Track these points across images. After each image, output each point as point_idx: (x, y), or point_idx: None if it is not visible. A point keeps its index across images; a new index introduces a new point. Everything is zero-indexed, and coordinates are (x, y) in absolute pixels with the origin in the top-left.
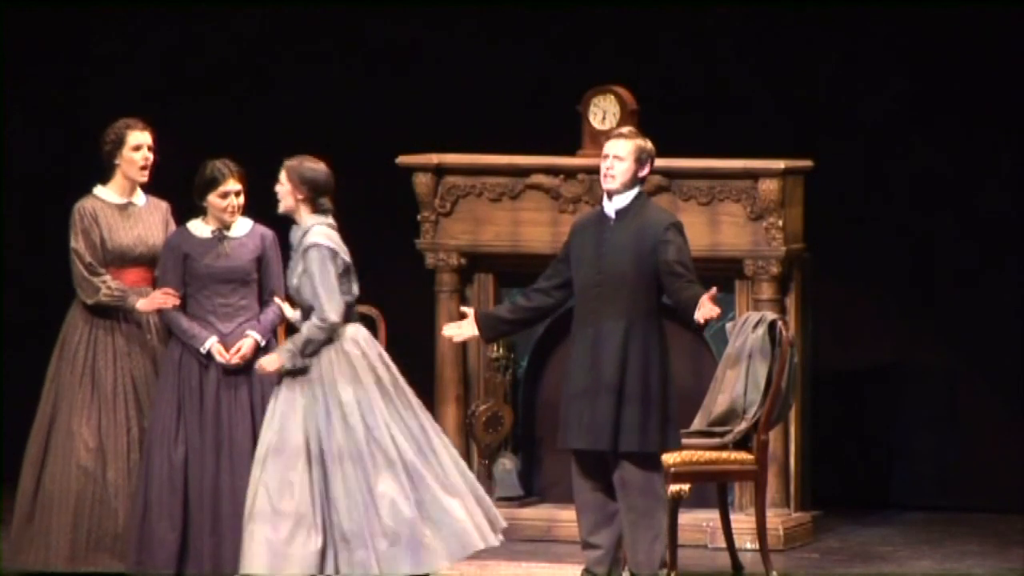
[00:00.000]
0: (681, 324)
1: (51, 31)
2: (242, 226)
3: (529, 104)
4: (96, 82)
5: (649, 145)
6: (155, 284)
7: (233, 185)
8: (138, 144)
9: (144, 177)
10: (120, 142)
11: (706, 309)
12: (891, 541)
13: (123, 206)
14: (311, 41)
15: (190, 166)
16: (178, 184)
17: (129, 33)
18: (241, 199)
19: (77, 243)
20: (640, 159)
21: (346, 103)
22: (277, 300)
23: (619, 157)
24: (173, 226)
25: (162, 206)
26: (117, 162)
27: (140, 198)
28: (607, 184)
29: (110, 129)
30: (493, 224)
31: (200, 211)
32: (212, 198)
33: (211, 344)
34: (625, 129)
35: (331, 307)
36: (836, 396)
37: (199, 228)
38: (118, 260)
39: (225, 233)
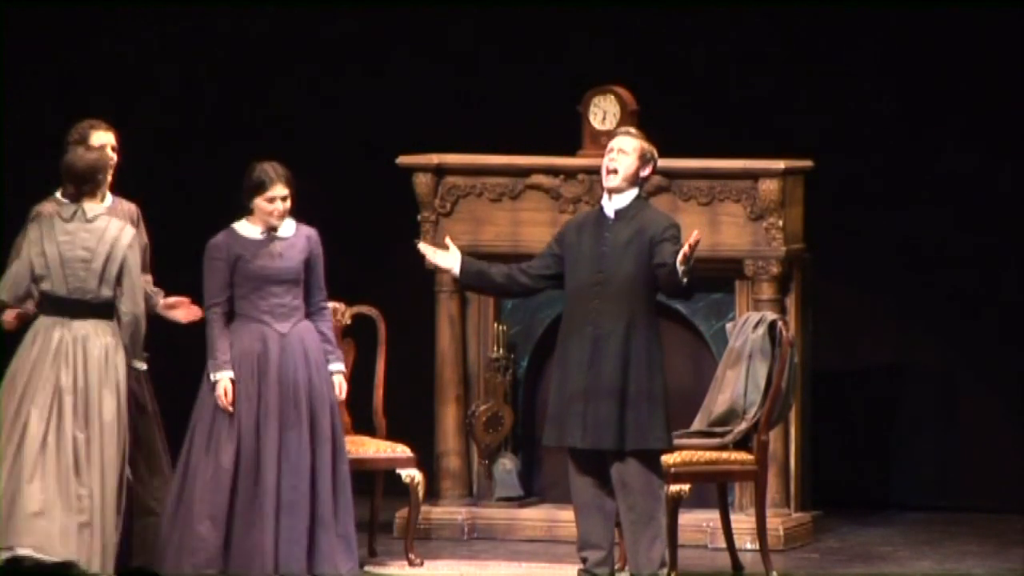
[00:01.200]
0: (667, 292)
1: (52, 28)
2: (288, 226)
3: (529, 104)
4: (94, 81)
5: (652, 148)
6: (204, 285)
7: (280, 190)
8: (101, 144)
9: (107, 177)
10: (83, 142)
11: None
12: (891, 541)
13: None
14: (311, 41)
15: (188, 166)
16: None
17: (129, 29)
18: (288, 203)
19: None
20: (644, 158)
21: (346, 103)
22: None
23: (624, 151)
24: (142, 227)
25: (129, 208)
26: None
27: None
28: (609, 179)
29: (73, 129)
30: (493, 224)
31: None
32: (259, 201)
33: (224, 380)
34: (631, 128)
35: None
36: (836, 396)
37: (248, 229)
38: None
39: (275, 234)
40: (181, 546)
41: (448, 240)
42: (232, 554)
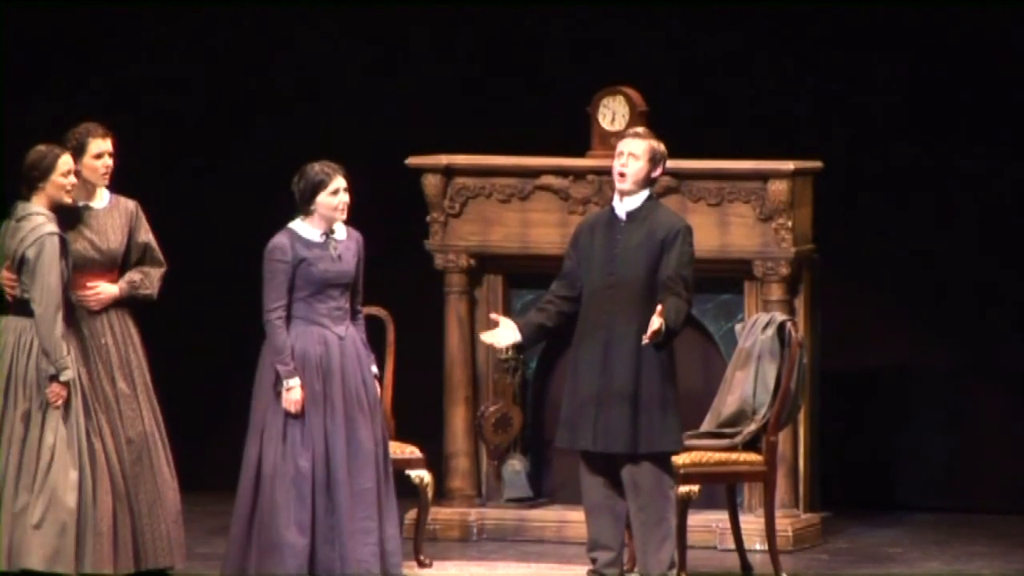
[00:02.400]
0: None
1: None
2: (340, 227)
3: (538, 105)
4: (96, 81)
5: (662, 147)
6: (264, 288)
7: (341, 181)
8: (99, 152)
9: (105, 183)
10: (81, 149)
11: (649, 330)
12: (900, 542)
13: (79, 210)
14: (319, 42)
15: (195, 168)
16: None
17: (132, 32)
18: (347, 196)
19: None
20: (654, 159)
21: (355, 104)
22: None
23: (634, 155)
24: (144, 222)
25: (127, 206)
26: (77, 167)
27: (100, 200)
28: (620, 183)
29: (71, 134)
30: (502, 225)
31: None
32: (323, 198)
33: (297, 387)
34: (640, 129)
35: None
36: (845, 397)
37: (307, 231)
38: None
39: (332, 236)
40: (268, 551)
41: (494, 316)
42: (317, 558)
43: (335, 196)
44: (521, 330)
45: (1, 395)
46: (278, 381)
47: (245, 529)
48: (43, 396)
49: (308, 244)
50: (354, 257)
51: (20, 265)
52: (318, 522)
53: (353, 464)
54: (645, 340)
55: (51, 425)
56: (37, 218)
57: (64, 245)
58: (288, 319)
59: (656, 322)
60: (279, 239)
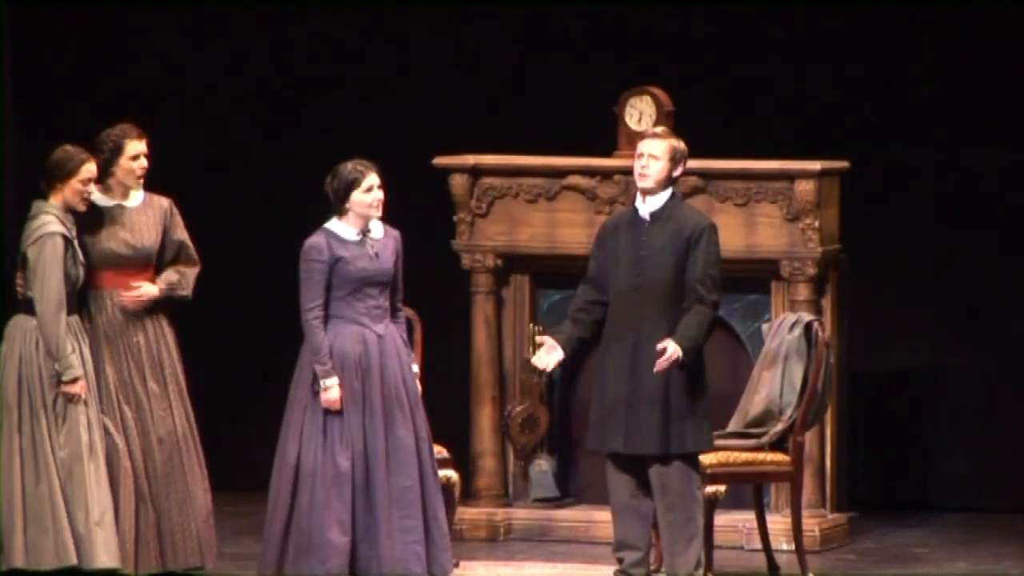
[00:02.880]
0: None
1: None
2: (377, 227)
3: (565, 105)
4: (122, 81)
5: (683, 145)
6: (301, 288)
7: (374, 178)
8: (136, 153)
9: (140, 184)
10: (118, 151)
11: (662, 359)
12: (927, 542)
13: (112, 209)
14: (346, 42)
15: (225, 168)
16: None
17: (166, 29)
18: (381, 193)
19: None
20: (675, 159)
21: (383, 104)
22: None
23: (654, 156)
24: (179, 220)
25: (161, 204)
26: (113, 169)
27: (134, 199)
28: (642, 183)
29: (107, 136)
30: (529, 225)
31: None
32: (357, 196)
33: (335, 386)
34: (659, 129)
35: None
36: (872, 397)
37: (344, 230)
38: (104, 263)
39: (369, 235)
40: (307, 551)
41: (540, 338)
42: (357, 556)
43: (369, 193)
44: (563, 347)
45: (15, 392)
46: (316, 380)
47: (282, 529)
48: (56, 391)
49: (344, 243)
50: (392, 255)
51: (23, 264)
52: (357, 521)
53: (392, 463)
54: (657, 369)
55: (63, 423)
56: (44, 217)
57: (68, 245)
58: (327, 318)
59: (671, 350)
60: (315, 239)
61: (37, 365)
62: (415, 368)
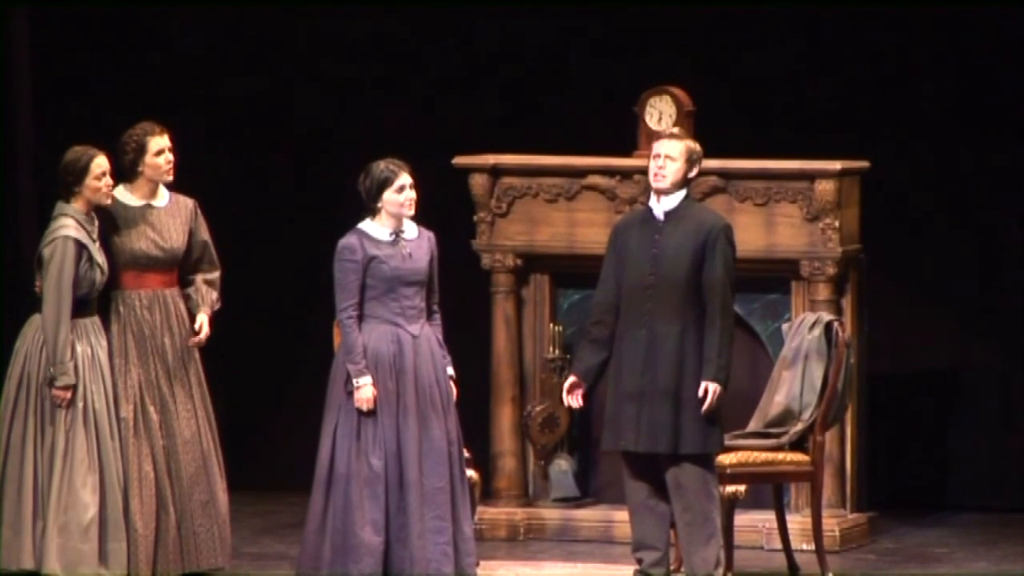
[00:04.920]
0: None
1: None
2: (411, 227)
3: (585, 105)
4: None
5: (698, 147)
6: (336, 288)
7: (406, 178)
8: (160, 149)
9: (170, 178)
10: (142, 149)
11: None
12: (947, 542)
13: (141, 209)
14: (367, 43)
15: (244, 169)
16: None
17: (191, 33)
18: (414, 192)
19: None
20: (691, 159)
21: (403, 104)
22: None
23: (671, 157)
24: (203, 221)
25: (187, 204)
26: (140, 169)
27: (161, 199)
28: (658, 183)
29: (128, 136)
30: (549, 225)
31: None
32: (389, 195)
33: (368, 386)
34: (676, 129)
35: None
36: (892, 397)
37: (376, 230)
38: (132, 264)
39: (402, 235)
40: (342, 551)
41: (567, 388)
42: (391, 557)
43: (401, 193)
44: (583, 380)
45: (14, 390)
46: (350, 380)
47: (318, 528)
48: (47, 393)
49: (377, 243)
50: (426, 255)
51: (40, 264)
52: (391, 521)
53: (425, 463)
54: (704, 411)
55: (65, 426)
56: (63, 220)
57: (82, 250)
58: (361, 318)
59: (711, 391)
60: (348, 239)
61: (38, 365)
62: (450, 370)
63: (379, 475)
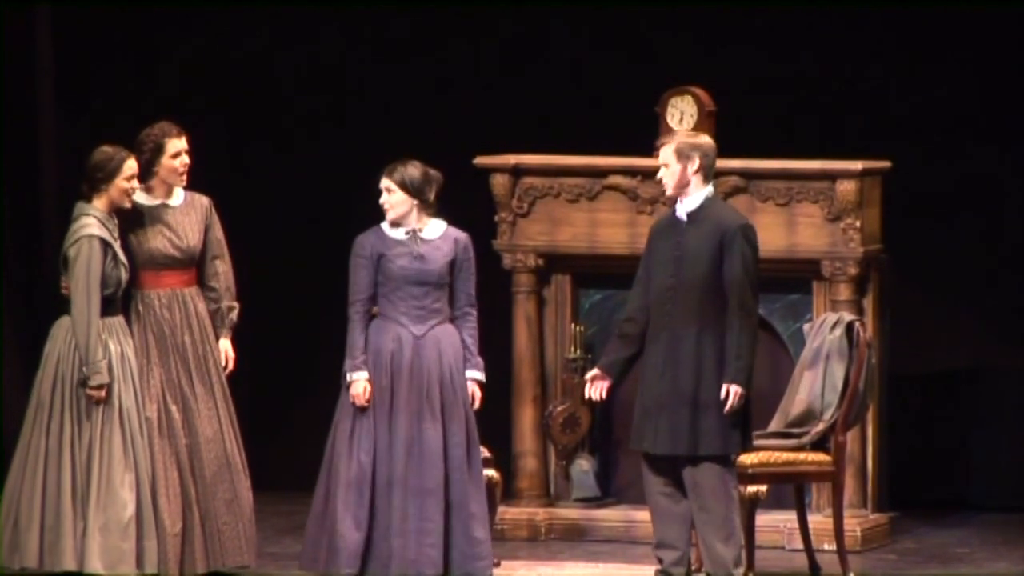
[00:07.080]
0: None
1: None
2: (436, 228)
3: (607, 105)
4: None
5: (696, 140)
6: (349, 282)
7: (385, 181)
8: (177, 151)
9: (183, 182)
10: (159, 150)
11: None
12: (968, 542)
13: (157, 208)
14: (388, 44)
15: (260, 166)
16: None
17: (207, 38)
18: (391, 196)
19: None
20: (684, 155)
21: (424, 104)
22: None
23: (665, 163)
24: (217, 219)
25: (202, 203)
26: (156, 169)
27: (177, 198)
28: (666, 191)
29: (146, 136)
30: (570, 225)
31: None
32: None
33: (360, 381)
34: (669, 135)
35: None
36: (913, 397)
37: (392, 229)
38: (150, 264)
39: (420, 235)
40: (329, 547)
41: (589, 378)
42: (372, 555)
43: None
44: (607, 373)
45: (49, 393)
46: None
47: (318, 525)
48: (82, 393)
49: (390, 242)
50: (445, 258)
51: (65, 265)
52: (378, 519)
53: (415, 463)
54: (726, 412)
55: (100, 425)
56: (86, 219)
57: (107, 249)
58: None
59: (732, 393)
60: (363, 236)
61: (71, 366)
62: (476, 374)
63: (366, 472)
